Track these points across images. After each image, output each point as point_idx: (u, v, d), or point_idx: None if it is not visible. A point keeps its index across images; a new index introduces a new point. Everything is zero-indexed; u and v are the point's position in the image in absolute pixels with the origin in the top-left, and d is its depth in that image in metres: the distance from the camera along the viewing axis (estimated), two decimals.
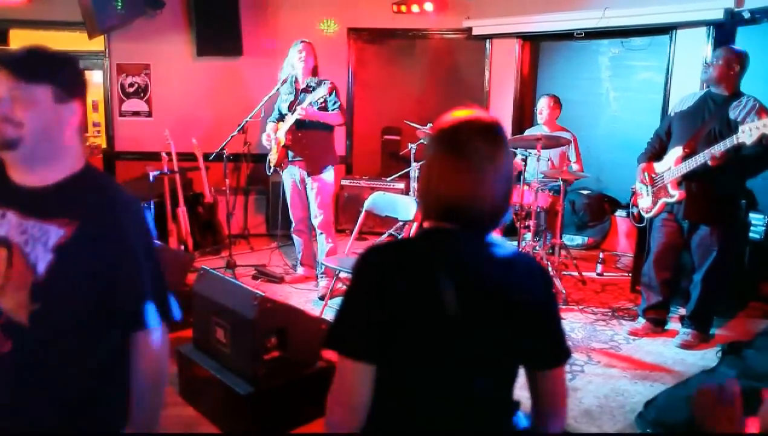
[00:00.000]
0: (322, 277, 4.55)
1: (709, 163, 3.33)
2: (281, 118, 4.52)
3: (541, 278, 1.29)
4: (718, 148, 3.28)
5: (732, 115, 3.41)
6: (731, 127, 3.34)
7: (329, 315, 3.02)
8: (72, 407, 1.39)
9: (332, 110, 4.36)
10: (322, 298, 4.27)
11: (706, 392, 1.25)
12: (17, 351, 1.34)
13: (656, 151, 3.78)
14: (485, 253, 1.26)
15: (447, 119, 1.27)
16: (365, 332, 1.21)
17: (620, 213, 5.97)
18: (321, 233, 4.53)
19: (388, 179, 6.34)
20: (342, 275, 3.96)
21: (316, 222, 4.52)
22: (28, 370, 1.36)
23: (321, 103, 4.33)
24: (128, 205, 1.44)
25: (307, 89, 4.39)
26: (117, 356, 1.43)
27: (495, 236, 1.29)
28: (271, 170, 4.62)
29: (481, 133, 1.23)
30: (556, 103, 5.26)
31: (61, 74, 1.37)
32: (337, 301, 1.30)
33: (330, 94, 4.33)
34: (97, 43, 5.99)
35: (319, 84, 4.35)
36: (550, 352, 1.29)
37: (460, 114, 1.27)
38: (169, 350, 1.48)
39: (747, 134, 3.13)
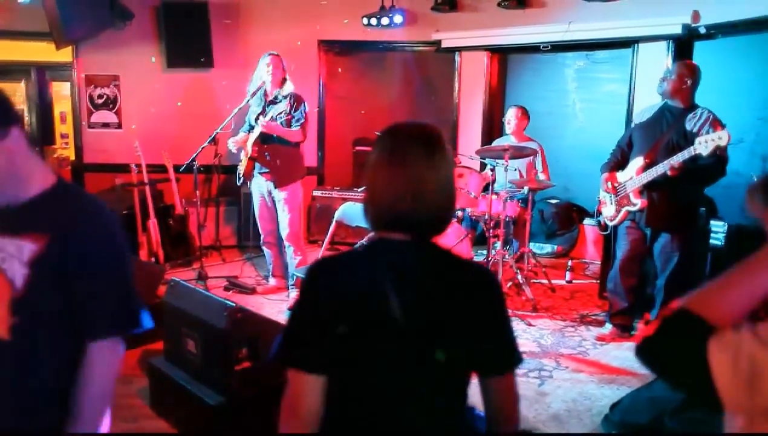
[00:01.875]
0: (293, 288, 4.55)
1: (669, 173, 3.45)
2: (251, 129, 4.53)
3: (488, 284, 1.30)
4: (677, 159, 3.41)
5: (688, 126, 3.54)
6: (688, 138, 3.48)
7: None
8: (50, 415, 1.40)
9: (294, 126, 4.36)
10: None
11: None
12: None
13: (618, 161, 3.90)
14: (431, 262, 1.28)
15: (384, 130, 1.31)
16: (313, 345, 1.23)
17: (588, 221, 6.08)
18: (289, 246, 4.52)
19: (360, 190, 6.36)
20: None
21: (283, 234, 4.51)
22: (7, 384, 1.38)
23: (286, 117, 4.33)
24: (95, 216, 1.43)
25: (274, 101, 4.41)
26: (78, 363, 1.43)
27: (443, 243, 1.32)
28: (241, 181, 4.62)
29: (417, 139, 1.26)
30: (524, 113, 5.37)
31: None
32: None
33: (295, 110, 4.34)
34: (65, 55, 5.93)
35: (286, 97, 4.37)
36: (500, 358, 1.29)
37: (398, 124, 1.31)
38: (121, 361, 1.49)
39: (703, 146, 3.28)
